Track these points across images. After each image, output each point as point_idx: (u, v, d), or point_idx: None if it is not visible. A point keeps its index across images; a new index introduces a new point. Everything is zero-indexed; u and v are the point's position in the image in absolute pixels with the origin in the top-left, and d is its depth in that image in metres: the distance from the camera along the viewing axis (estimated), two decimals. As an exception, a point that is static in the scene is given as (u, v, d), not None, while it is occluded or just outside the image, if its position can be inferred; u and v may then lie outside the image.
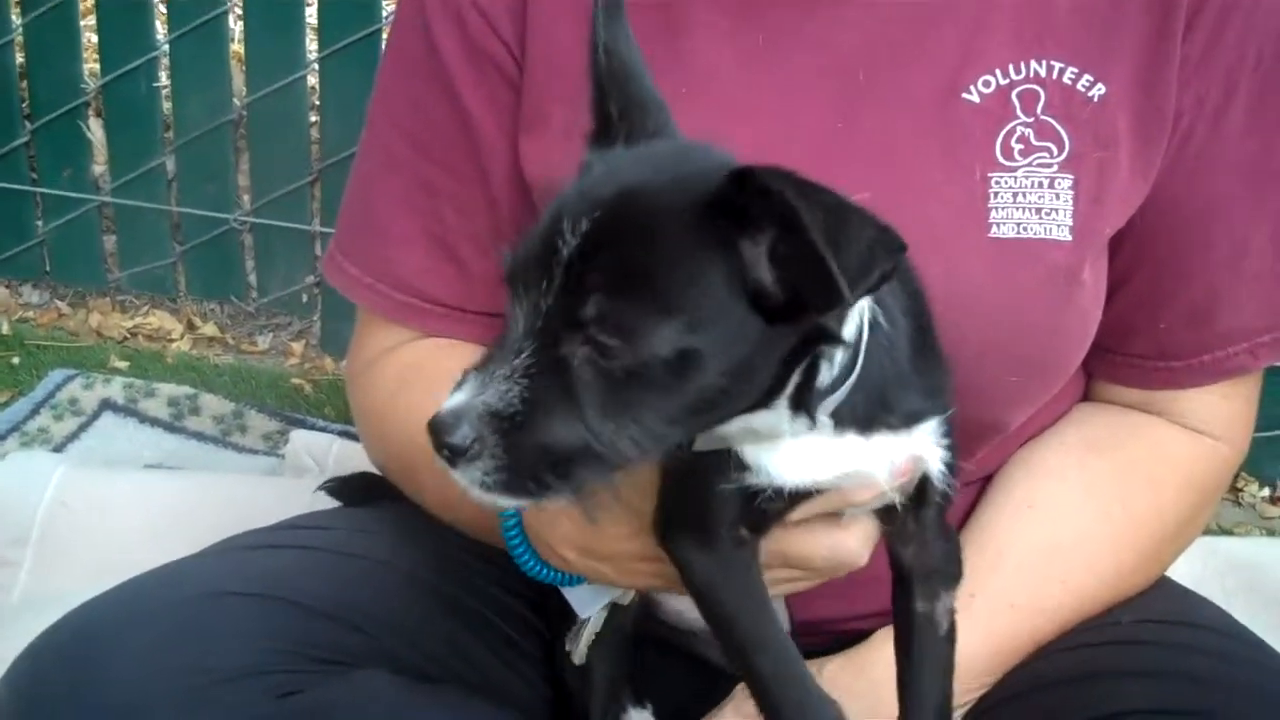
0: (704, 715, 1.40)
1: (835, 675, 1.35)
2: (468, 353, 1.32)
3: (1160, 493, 1.47)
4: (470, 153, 1.48)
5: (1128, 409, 1.51)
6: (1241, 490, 2.79)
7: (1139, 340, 1.48)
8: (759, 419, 1.02)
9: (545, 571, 1.31)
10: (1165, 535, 1.48)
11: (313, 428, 2.65)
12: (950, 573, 1.22)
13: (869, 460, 1.09)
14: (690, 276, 0.91)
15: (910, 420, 1.10)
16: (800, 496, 1.11)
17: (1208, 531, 2.60)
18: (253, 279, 3.26)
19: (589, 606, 1.35)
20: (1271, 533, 2.67)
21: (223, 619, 1.31)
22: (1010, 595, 1.39)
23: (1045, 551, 1.42)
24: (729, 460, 1.07)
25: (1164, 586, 1.54)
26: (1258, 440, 2.69)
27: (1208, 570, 2.26)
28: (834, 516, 1.17)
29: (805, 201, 0.86)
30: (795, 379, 1.00)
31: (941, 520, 1.20)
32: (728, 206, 0.91)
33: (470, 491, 0.95)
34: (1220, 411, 1.49)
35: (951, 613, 1.22)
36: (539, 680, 1.48)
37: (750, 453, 1.07)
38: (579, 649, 1.36)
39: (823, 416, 1.04)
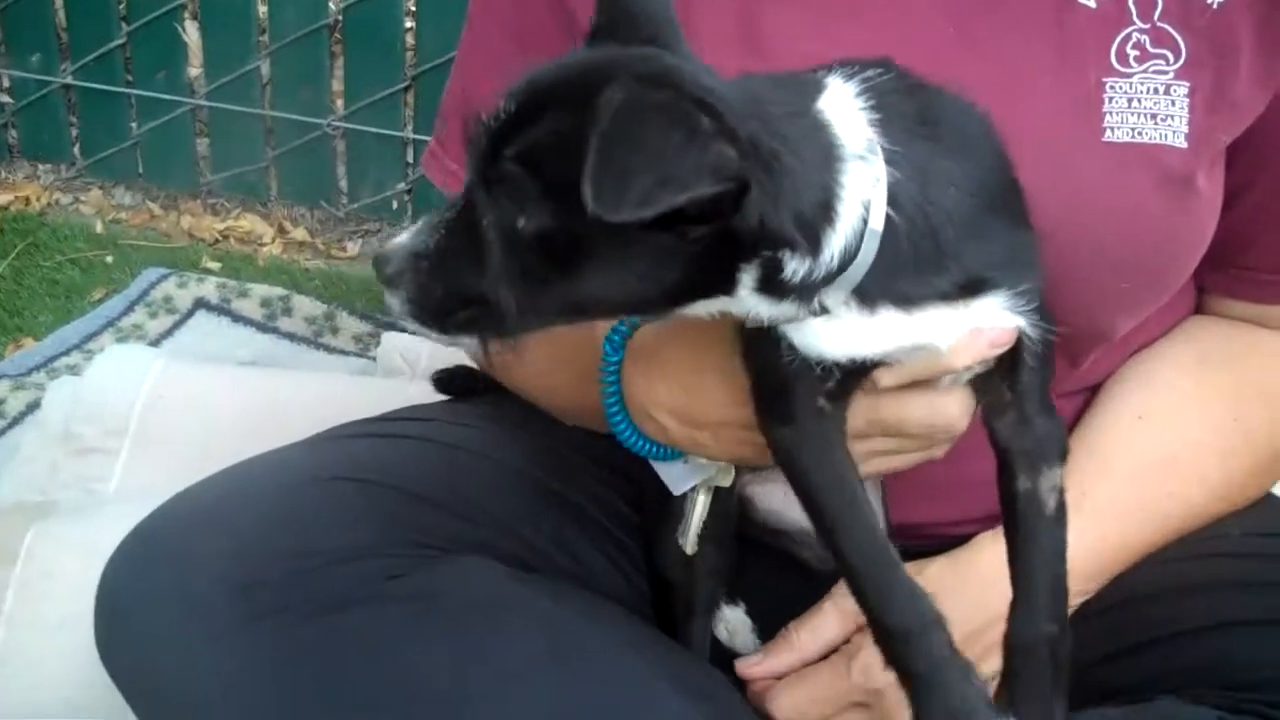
0: (797, 615, 1.41)
1: (939, 576, 1.34)
2: None
3: (1275, 407, 1.45)
4: (570, 47, 1.45)
5: (1241, 323, 1.49)
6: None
7: (1254, 253, 1.45)
8: (722, 304, 1.03)
9: (642, 443, 1.31)
10: (1277, 450, 1.46)
11: (403, 330, 2.66)
12: (1053, 449, 1.16)
13: (921, 333, 1.07)
14: (572, 167, 0.90)
15: (968, 292, 1.06)
16: (867, 368, 1.09)
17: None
18: (344, 185, 3.26)
19: (683, 483, 1.35)
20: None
21: (329, 503, 1.33)
22: (1119, 503, 1.37)
23: (1156, 462, 1.40)
24: (779, 336, 1.07)
25: (1273, 502, 1.52)
26: None
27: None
28: (928, 383, 1.15)
29: (613, 97, 0.89)
30: (752, 271, 0.99)
31: (1042, 395, 1.15)
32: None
33: (397, 316, 1.05)
34: None
35: (1058, 491, 1.16)
36: (638, 576, 1.49)
37: (788, 329, 1.06)
38: (689, 537, 1.35)
39: (836, 297, 1.02)
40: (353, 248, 3.24)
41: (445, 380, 1.74)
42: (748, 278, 0.99)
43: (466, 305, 1.02)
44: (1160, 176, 1.30)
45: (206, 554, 1.29)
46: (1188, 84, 1.31)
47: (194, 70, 3.31)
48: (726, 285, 1.00)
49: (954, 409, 1.18)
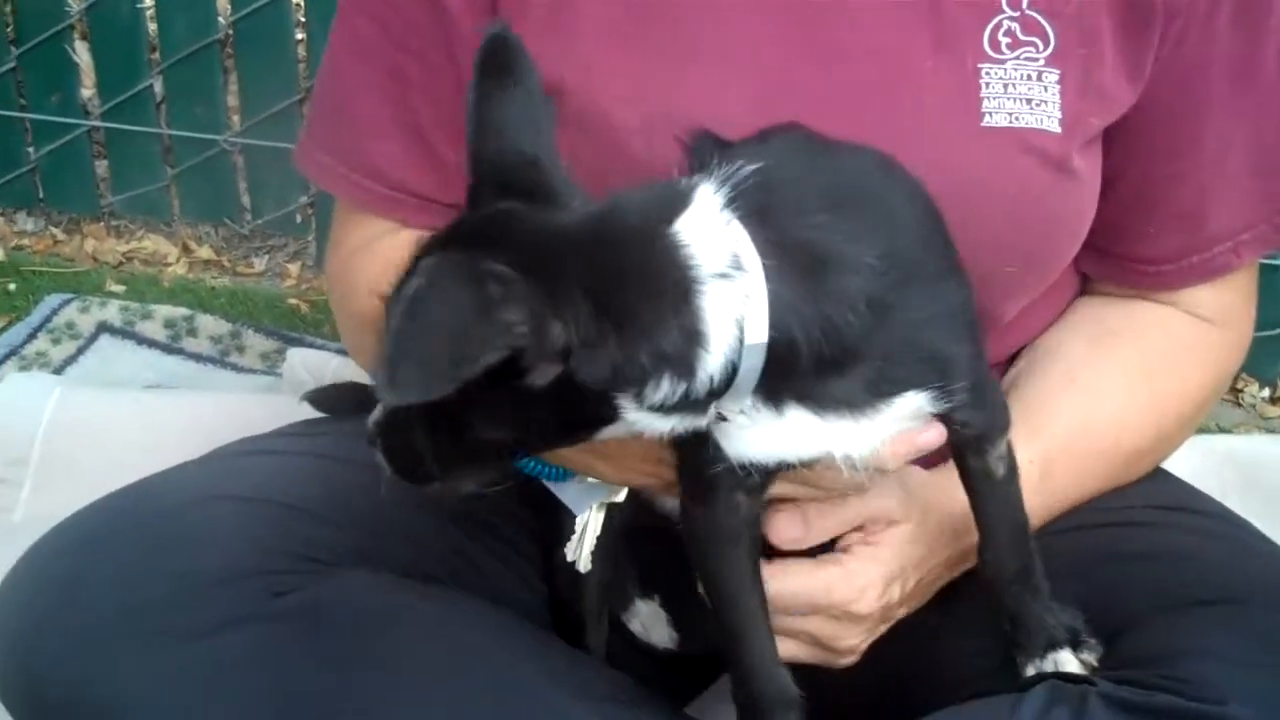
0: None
1: (923, 484, 1.35)
2: None
3: (1182, 375, 1.50)
4: (442, 41, 1.45)
5: (1135, 299, 1.52)
6: (1242, 391, 2.78)
7: (1127, 241, 1.49)
8: (620, 427, 1.04)
9: (537, 466, 1.31)
10: (1184, 417, 1.51)
11: (310, 345, 2.64)
12: (996, 431, 1.23)
13: (835, 440, 1.10)
14: None
15: (883, 393, 1.09)
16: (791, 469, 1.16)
17: (1207, 430, 2.61)
18: (246, 200, 3.23)
19: (582, 505, 1.35)
20: (1272, 432, 2.67)
21: (214, 522, 1.32)
22: (1048, 463, 1.39)
23: (1084, 424, 1.44)
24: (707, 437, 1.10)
25: (1169, 478, 1.56)
26: (1258, 340, 2.67)
27: (1206, 467, 2.26)
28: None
29: (410, 285, 0.91)
30: (628, 399, 1.00)
31: (975, 400, 1.16)
32: None
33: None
34: (1221, 299, 1.51)
35: (1004, 458, 1.24)
36: (540, 584, 1.48)
37: (715, 431, 1.09)
38: (583, 555, 1.36)
39: (731, 408, 1.05)
40: (259, 264, 3.20)
41: (320, 400, 1.73)
42: (628, 403, 1.00)
43: (426, 470, 1.09)
44: (1038, 160, 1.33)
45: (93, 578, 1.27)
46: (1058, 71, 1.34)
47: (87, 91, 3.26)
48: (609, 413, 1.01)
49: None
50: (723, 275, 0.98)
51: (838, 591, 1.29)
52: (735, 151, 1.09)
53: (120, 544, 1.30)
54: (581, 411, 1.02)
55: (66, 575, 1.29)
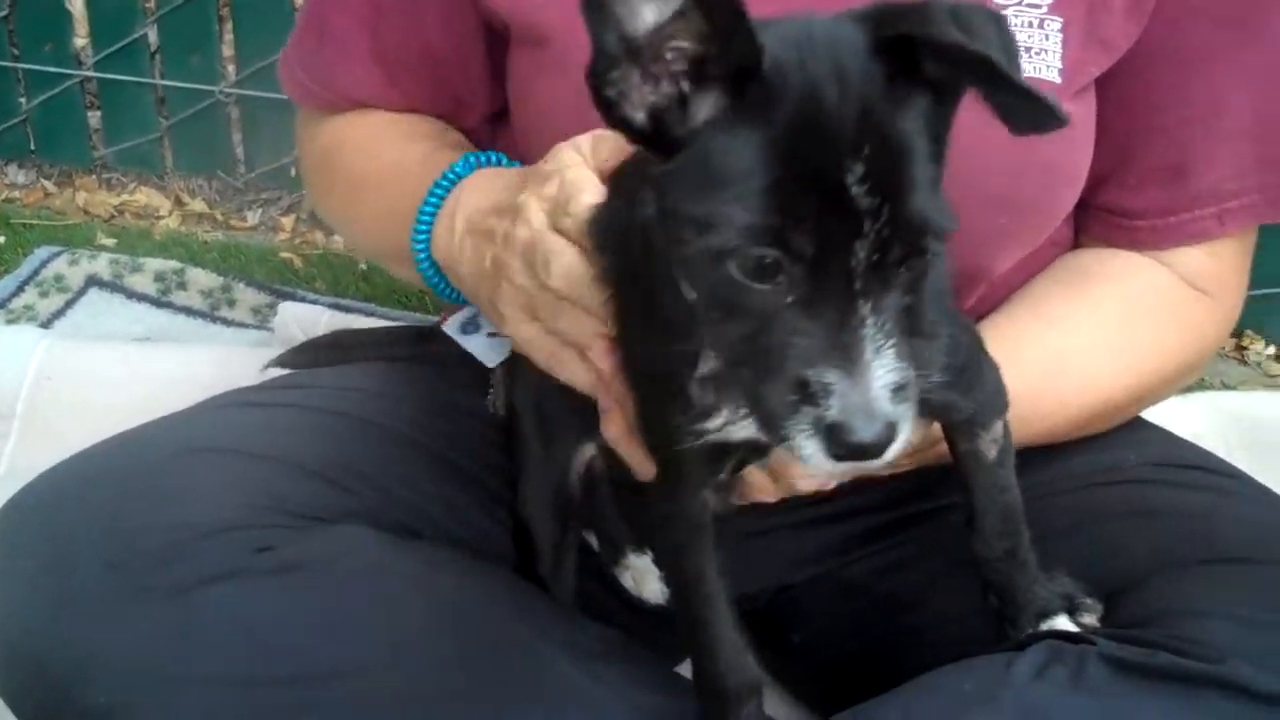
0: None
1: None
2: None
3: (1161, 330, 1.45)
4: None
5: (1120, 250, 1.48)
6: (1247, 349, 2.76)
7: (1108, 191, 1.46)
8: None
9: (437, 279, 1.39)
10: (1163, 374, 1.46)
11: (302, 300, 2.61)
12: (990, 413, 1.21)
13: None
14: None
15: None
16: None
17: (1210, 387, 2.58)
18: (240, 153, 3.19)
19: (490, 357, 1.41)
20: (1276, 389, 2.65)
21: (198, 475, 1.29)
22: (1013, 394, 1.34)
23: (1053, 356, 1.40)
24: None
25: (1174, 438, 1.53)
26: (1264, 297, 2.68)
27: (1212, 424, 2.25)
28: None
29: None
30: None
31: (965, 383, 1.15)
32: None
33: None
34: (1208, 267, 1.46)
35: (998, 441, 1.21)
36: None
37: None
38: (499, 402, 1.43)
39: None
40: (252, 217, 3.17)
41: (289, 360, 1.72)
42: None
43: None
44: None
45: (75, 531, 1.25)
46: (1061, 19, 1.32)
47: (80, 40, 3.22)
48: None
49: None
50: None
51: None
52: None
53: (100, 498, 1.27)
54: None
55: (50, 527, 1.27)
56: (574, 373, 1.22)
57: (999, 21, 0.90)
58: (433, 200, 1.37)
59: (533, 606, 1.32)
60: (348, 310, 2.50)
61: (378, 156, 1.55)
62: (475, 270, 1.29)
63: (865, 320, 0.85)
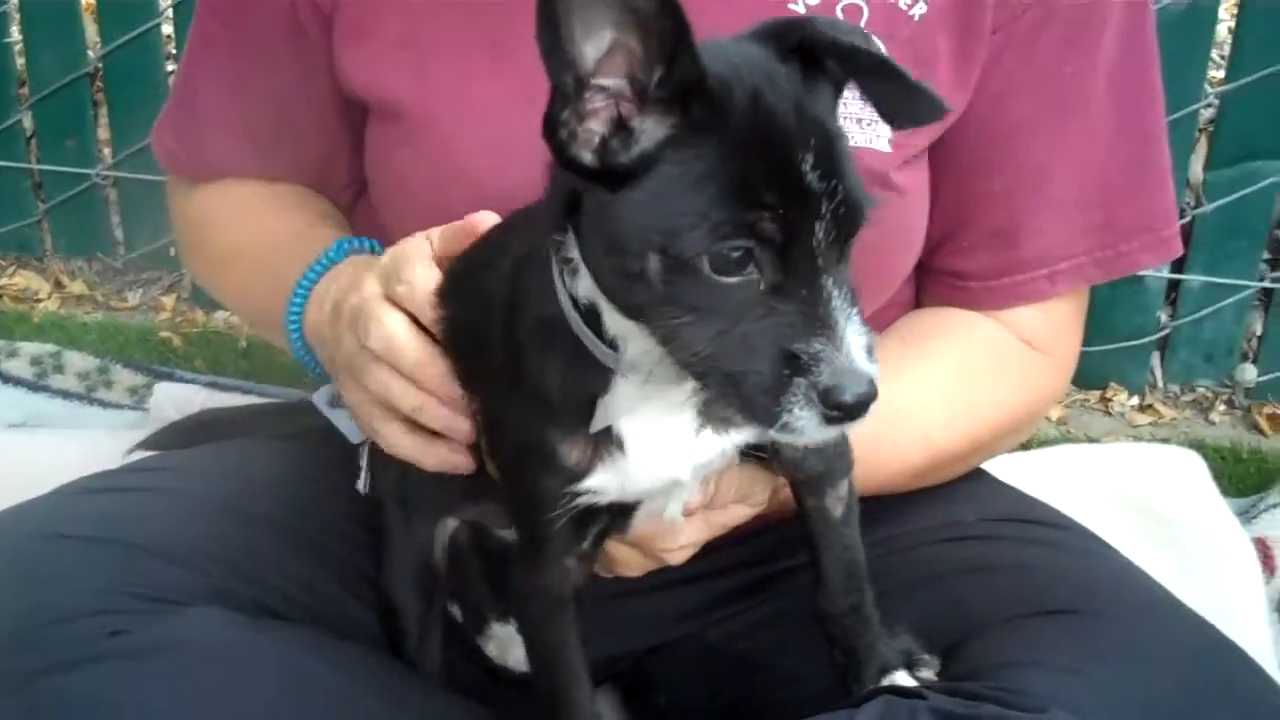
0: None
1: None
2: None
3: (997, 384, 1.51)
4: (290, 53, 1.53)
5: (957, 310, 1.54)
6: (1111, 400, 2.83)
7: (945, 254, 1.52)
8: None
9: (304, 351, 1.44)
10: (999, 428, 1.52)
11: (180, 380, 2.61)
12: (837, 472, 1.25)
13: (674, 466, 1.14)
14: None
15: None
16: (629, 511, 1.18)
17: (1076, 439, 2.65)
18: (120, 234, 3.19)
19: (359, 433, 1.43)
20: (1139, 440, 2.72)
21: (54, 561, 1.30)
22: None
23: (892, 408, 1.41)
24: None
25: (1004, 488, 1.57)
26: (1126, 350, 2.77)
27: (1076, 476, 2.31)
28: None
29: None
30: None
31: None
32: None
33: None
34: (1042, 325, 1.53)
35: (844, 500, 1.26)
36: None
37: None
38: (363, 480, 1.44)
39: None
40: (133, 298, 3.17)
41: (157, 441, 1.72)
42: None
43: None
44: (868, 179, 1.33)
45: None
46: None
47: (-46, 128, 3.21)
48: None
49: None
50: None
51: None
52: None
53: None
54: None
55: None
56: (388, 435, 1.28)
57: (865, 33, 1.01)
58: (304, 284, 1.42)
59: (390, 681, 1.33)
60: (225, 389, 2.51)
61: (248, 229, 1.60)
62: (328, 344, 1.33)
63: (832, 293, 0.93)
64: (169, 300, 3.12)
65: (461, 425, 1.25)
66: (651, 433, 1.10)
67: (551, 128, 0.93)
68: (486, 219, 1.23)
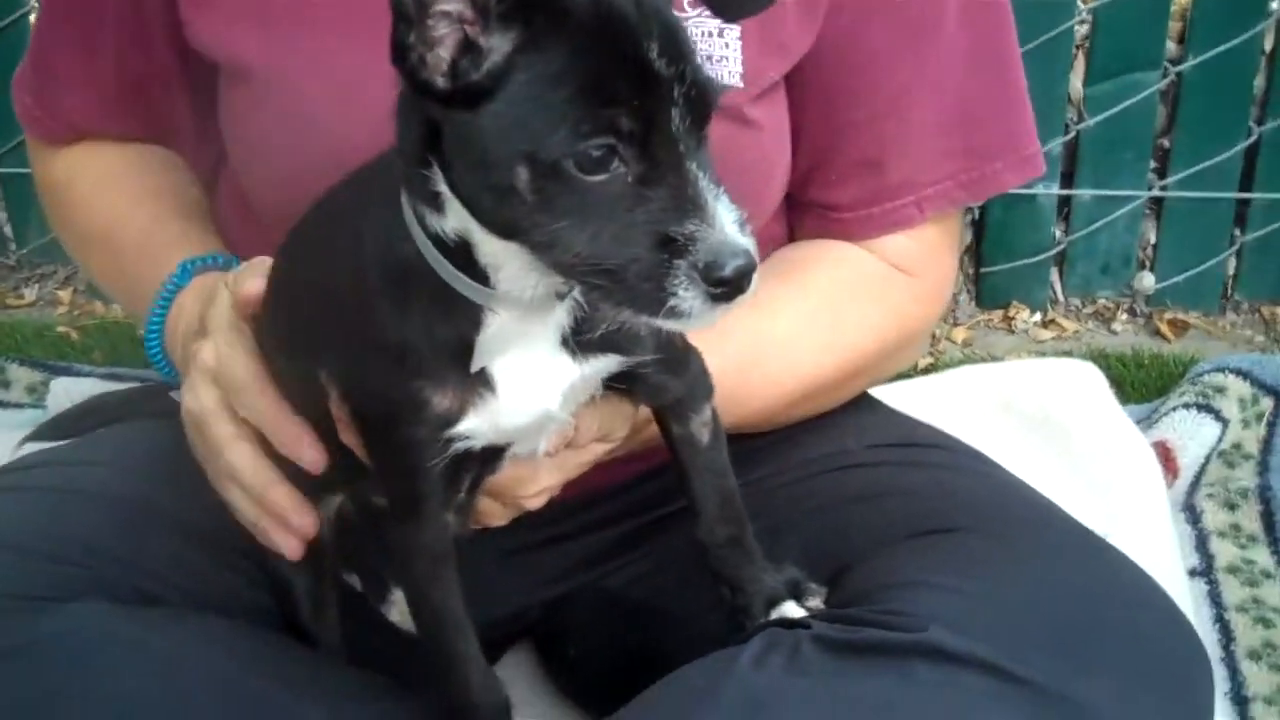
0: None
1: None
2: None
3: (866, 312, 1.51)
4: (133, 15, 1.53)
5: (825, 239, 1.54)
6: (1014, 318, 2.86)
7: (814, 187, 1.53)
8: None
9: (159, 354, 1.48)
10: (868, 356, 1.53)
11: (77, 374, 2.58)
12: (699, 396, 1.25)
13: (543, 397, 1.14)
14: None
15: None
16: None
17: (979, 359, 2.68)
18: (8, 231, 3.14)
19: None
20: (1044, 355, 2.75)
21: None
22: (721, 378, 1.34)
23: (760, 337, 1.44)
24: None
25: (885, 412, 1.58)
26: (1025, 268, 2.80)
27: (976, 396, 2.33)
28: None
29: None
30: None
31: (670, 364, 1.20)
32: None
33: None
34: (913, 251, 1.54)
35: (709, 425, 1.26)
36: (266, 581, 1.46)
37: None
38: None
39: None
40: (29, 294, 3.12)
41: (44, 433, 1.71)
42: None
43: None
44: (720, 115, 1.34)
45: None
46: (738, 27, 1.37)
47: None
48: None
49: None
50: None
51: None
52: None
53: None
54: None
55: None
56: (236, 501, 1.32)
57: None
58: (155, 321, 1.46)
59: (279, 657, 1.32)
60: (122, 379, 2.47)
61: (103, 213, 1.62)
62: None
63: (698, 175, 0.96)
64: (65, 294, 3.08)
65: (307, 519, 1.29)
66: (519, 367, 1.10)
67: (400, 53, 0.94)
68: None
